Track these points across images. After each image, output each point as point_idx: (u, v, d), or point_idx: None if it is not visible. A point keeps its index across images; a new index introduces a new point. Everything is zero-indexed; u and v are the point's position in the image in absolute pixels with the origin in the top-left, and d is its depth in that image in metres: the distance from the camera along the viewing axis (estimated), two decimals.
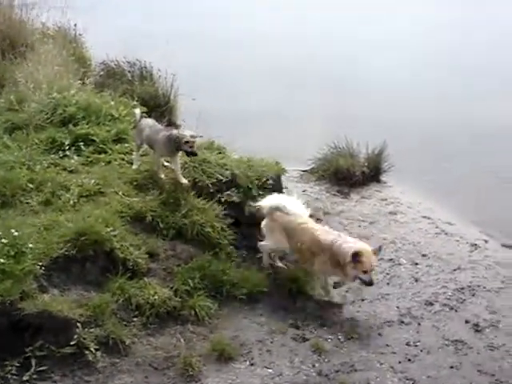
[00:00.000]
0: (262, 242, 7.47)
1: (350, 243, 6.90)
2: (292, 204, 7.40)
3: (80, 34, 13.61)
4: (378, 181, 10.84)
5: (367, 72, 15.96)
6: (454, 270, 8.09)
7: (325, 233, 7.12)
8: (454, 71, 16.18)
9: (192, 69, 13.73)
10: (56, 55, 10.79)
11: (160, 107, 12.03)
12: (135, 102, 10.25)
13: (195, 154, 7.47)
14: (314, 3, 21.68)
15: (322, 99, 14.14)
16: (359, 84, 15.15)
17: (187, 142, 7.26)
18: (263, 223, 7.48)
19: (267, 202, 7.45)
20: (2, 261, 5.62)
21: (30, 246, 5.94)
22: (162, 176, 7.64)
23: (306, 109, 13.69)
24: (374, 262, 6.82)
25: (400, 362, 6.26)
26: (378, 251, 6.96)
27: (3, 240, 5.74)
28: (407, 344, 6.56)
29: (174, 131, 7.57)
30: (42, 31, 12.58)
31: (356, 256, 6.69)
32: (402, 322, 6.95)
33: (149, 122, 8.04)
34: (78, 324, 5.68)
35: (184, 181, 7.61)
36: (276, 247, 7.47)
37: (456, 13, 21.05)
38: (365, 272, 6.77)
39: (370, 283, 6.90)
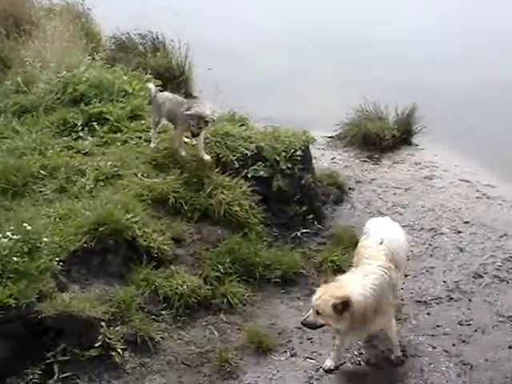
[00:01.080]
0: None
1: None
2: (383, 228, 5.90)
3: (88, 9, 13.06)
4: (410, 144, 10.26)
5: (386, 34, 15.25)
6: (501, 236, 7.56)
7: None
8: (480, 31, 15.40)
9: (204, 40, 13.08)
10: (63, 31, 10.24)
11: (175, 79, 11.55)
12: (149, 76, 9.72)
13: (195, 136, 6.93)
14: None
15: (341, 63, 13.53)
16: (379, 46, 14.45)
17: (193, 118, 6.73)
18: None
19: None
20: (15, 259, 5.16)
21: (45, 239, 5.49)
22: (183, 153, 7.13)
23: (326, 73, 13.08)
24: (321, 302, 5.13)
25: (454, 345, 5.78)
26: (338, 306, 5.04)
27: (15, 236, 5.27)
28: (459, 323, 6.07)
29: (194, 105, 7.06)
30: (47, 8, 12.05)
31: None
32: (451, 298, 6.46)
33: (167, 95, 7.58)
34: (102, 323, 5.26)
35: (207, 157, 7.12)
36: None
37: None
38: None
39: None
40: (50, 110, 8.24)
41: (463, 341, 5.83)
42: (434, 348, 5.73)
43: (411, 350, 5.68)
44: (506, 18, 15.99)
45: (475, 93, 11.90)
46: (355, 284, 5.18)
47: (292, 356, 5.62)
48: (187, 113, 6.75)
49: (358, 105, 10.31)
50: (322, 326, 5.22)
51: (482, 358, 5.61)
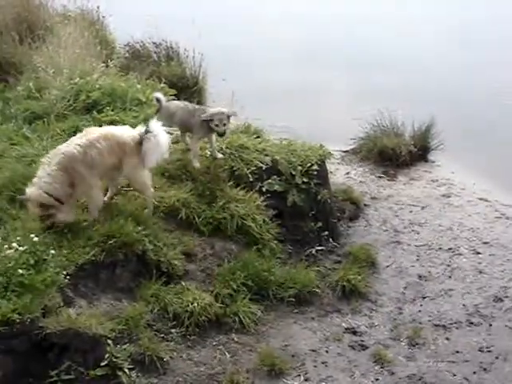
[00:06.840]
0: None
1: None
2: None
3: (103, 17, 12.95)
4: (426, 160, 10.10)
5: (400, 47, 15.12)
6: None
7: None
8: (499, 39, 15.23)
9: (218, 50, 12.99)
10: (77, 38, 10.08)
11: (189, 88, 11.38)
12: (163, 85, 9.57)
13: (222, 134, 6.85)
14: None
15: (355, 72, 13.42)
16: (393, 59, 14.29)
17: (214, 118, 6.70)
18: None
19: None
20: (20, 272, 4.96)
21: (52, 252, 5.29)
22: (197, 165, 6.95)
23: (341, 86, 12.94)
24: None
25: (475, 373, 5.53)
26: None
27: (21, 247, 5.08)
28: (480, 350, 5.82)
29: (208, 109, 7.01)
30: (62, 14, 11.94)
31: None
32: (471, 322, 6.22)
33: (178, 103, 7.44)
34: (109, 341, 5.02)
35: (220, 155, 7.10)
36: None
37: None
38: None
39: None
40: (62, 117, 8.10)
41: (484, 368, 5.58)
42: (454, 375, 5.47)
43: (430, 377, 5.43)
44: None
45: (491, 104, 11.72)
46: None
47: (306, 380, 5.37)
48: (205, 115, 6.70)
49: (373, 118, 10.14)
50: None
51: None
